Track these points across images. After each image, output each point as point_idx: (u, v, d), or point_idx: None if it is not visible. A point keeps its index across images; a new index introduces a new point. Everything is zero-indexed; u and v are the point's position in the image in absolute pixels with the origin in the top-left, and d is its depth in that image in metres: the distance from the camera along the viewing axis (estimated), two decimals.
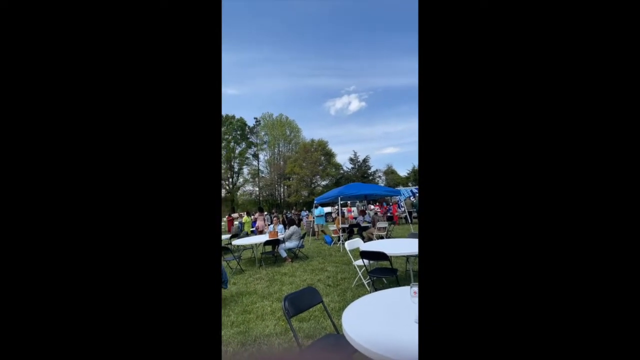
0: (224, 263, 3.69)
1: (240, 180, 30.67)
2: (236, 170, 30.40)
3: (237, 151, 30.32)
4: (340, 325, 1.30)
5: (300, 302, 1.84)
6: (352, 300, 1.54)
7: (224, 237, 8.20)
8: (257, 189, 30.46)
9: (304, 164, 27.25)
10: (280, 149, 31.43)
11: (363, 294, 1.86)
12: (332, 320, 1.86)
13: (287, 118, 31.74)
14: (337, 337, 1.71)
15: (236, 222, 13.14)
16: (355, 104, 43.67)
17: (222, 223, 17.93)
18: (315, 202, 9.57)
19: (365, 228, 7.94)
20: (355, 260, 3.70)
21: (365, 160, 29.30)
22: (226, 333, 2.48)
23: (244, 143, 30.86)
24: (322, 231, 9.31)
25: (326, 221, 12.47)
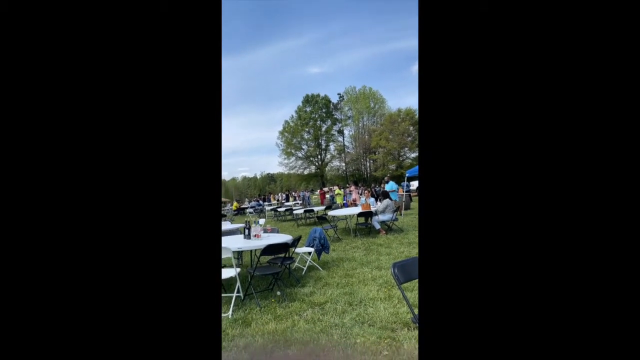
0: (323, 231, 3.99)
1: (328, 156, 31.90)
2: (323, 147, 31.69)
3: (323, 129, 31.36)
4: None
5: (409, 270, 1.80)
6: None
7: (317, 208, 8.84)
8: (343, 164, 31.15)
9: (390, 136, 25.91)
10: (365, 123, 30.72)
11: None
12: None
13: (370, 89, 30.43)
14: None
15: (327, 196, 13.93)
16: None
17: (315, 196, 18.97)
18: (407, 175, 9.12)
19: None
20: None
21: None
22: (333, 292, 2.71)
23: (329, 120, 31.57)
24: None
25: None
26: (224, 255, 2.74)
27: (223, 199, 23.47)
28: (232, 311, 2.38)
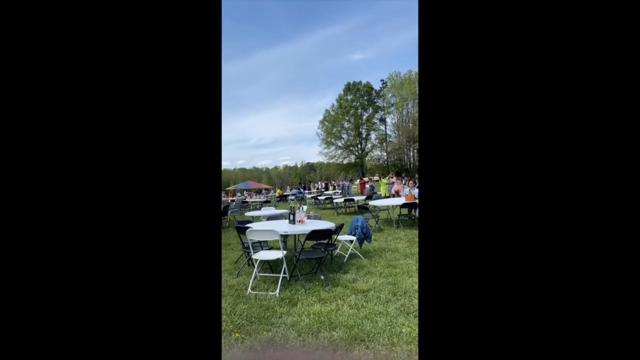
0: (365, 220, 3.95)
1: (368, 145, 31.19)
2: (364, 136, 31.02)
3: (364, 117, 30.61)
4: None
5: None
6: None
7: (357, 197, 8.77)
8: (384, 153, 30.21)
9: None
10: (409, 110, 29.14)
11: None
12: None
13: (416, 74, 28.56)
14: None
15: (367, 186, 13.72)
16: None
17: (355, 186, 18.84)
18: None
19: None
20: None
21: None
22: (376, 281, 2.70)
23: (370, 108, 30.64)
24: None
25: None
26: (271, 238, 2.90)
27: (267, 186, 24.61)
28: (279, 290, 2.53)
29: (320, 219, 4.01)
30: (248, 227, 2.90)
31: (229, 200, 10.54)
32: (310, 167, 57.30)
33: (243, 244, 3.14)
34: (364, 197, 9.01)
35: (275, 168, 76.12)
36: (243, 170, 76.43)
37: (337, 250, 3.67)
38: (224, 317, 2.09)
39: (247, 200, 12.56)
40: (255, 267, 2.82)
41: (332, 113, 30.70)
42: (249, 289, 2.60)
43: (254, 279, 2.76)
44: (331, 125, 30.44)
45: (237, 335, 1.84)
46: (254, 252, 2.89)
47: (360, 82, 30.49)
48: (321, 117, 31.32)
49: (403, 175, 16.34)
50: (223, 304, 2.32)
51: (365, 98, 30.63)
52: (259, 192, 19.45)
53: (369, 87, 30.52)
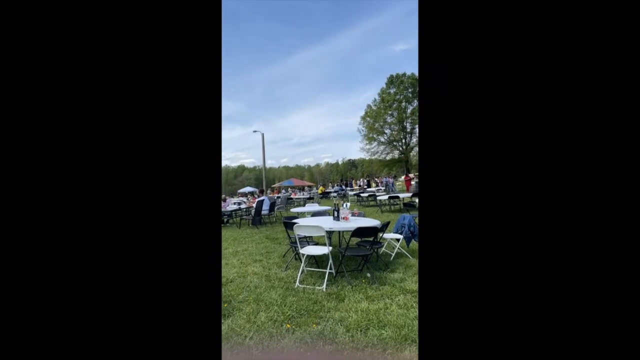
0: (413, 218, 3.78)
1: (414, 140, 29.70)
2: (408, 130, 29.62)
3: (408, 110, 29.20)
4: None
5: None
6: None
7: (403, 195, 8.43)
8: None
9: None
10: None
11: None
12: None
13: None
14: None
15: (413, 182, 13.12)
16: None
17: (399, 183, 18.14)
18: None
19: None
20: None
21: None
22: None
23: (415, 101, 29.08)
24: None
25: None
26: (316, 234, 2.95)
27: (309, 183, 25.12)
28: (326, 285, 2.57)
29: (364, 216, 3.96)
30: (295, 223, 3.00)
31: (275, 197, 11.02)
32: (352, 164, 56.82)
33: (290, 238, 3.26)
34: (409, 195, 8.63)
35: (317, 165, 77.20)
36: (287, 168, 79.19)
37: (383, 249, 3.59)
38: (274, 307, 2.21)
39: (291, 197, 12.99)
40: (302, 261, 2.91)
41: (374, 108, 29.91)
42: (297, 282, 2.69)
43: (301, 273, 2.85)
44: (373, 121, 29.68)
45: (288, 326, 1.93)
46: (301, 247, 2.98)
47: (404, 74, 29.12)
48: (362, 113, 30.76)
49: None
50: (274, 295, 2.45)
51: (410, 90, 29.14)
52: (301, 189, 19.94)
53: (413, 79, 28.96)
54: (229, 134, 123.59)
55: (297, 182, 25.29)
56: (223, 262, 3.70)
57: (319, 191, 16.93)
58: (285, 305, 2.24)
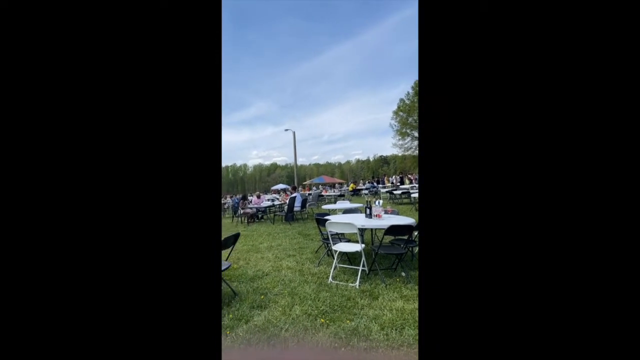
0: None
1: None
2: None
3: None
4: None
5: None
6: None
7: None
8: None
9: None
10: None
11: None
12: None
13: None
14: None
15: None
16: None
17: None
18: None
19: None
20: None
21: None
22: None
23: None
24: None
25: None
26: (349, 231, 2.95)
27: (340, 180, 25.06)
28: (359, 283, 2.56)
29: (397, 214, 3.86)
30: (327, 219, 3.02)
31: (307, 194, 11.19)
32: (383, 161, 55.47)
33: (322, 234, 3.30)
34: None
35: (348, 162, 76.66)
36: (317, 165, 79.81)
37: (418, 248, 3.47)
38: (309, 302, 2.26)
39: (322, 194, 13.09)
40: (335, 258, 2.93)
41: (407, 102, 28.80)
42: (330, 278, 2.72)
43: (334, 269, 2.87)
44: (406, 115, 28.60)
45: (322, 320, 1.96)
46: (333, 244, 3.00)
47: None
48: (394, 108, 29.81)
49: None
50: (308, 290, 2.50)
51: None
52: (332, 186, 19.96)
53: None
54: (261, 133, 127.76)
55: (327, 179, 25.40)
56: (259, 255, 3.87)
57: (350, 188, 16.82)
58: (319, 300, 2.28)
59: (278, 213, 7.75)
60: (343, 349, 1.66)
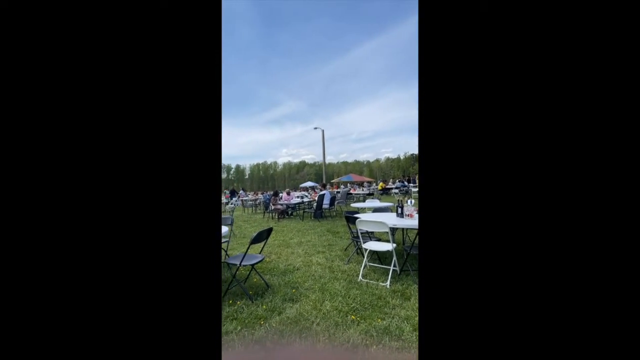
0: None
1: None
2: None
3: None
4: None
5: None
6: None
7: None
8: None
9: None
10: None
11: None
12: None
13: None
14: None
15: None
16: None
17: None
18: None
19: None
20: None
21: None
22: None
23: None
24: None
25: None
26: (379, 230, 2.91)
27: (368, 179, 24.70)
28: (390, 282, 2.52)
29: None
30: (357, 217, 3.01)
31: (335, 192, 11.21)
32: (415, 159, 53.54)
33: (352, 232, 3.29)
34: None
35: (377, 161, 75.22)
36: (345, 163, 79.39)
37: None
38: (339, 298, 2.28)
39: (351, 192, 13.02)
40: (365, 256, 2.92)
41: None
42: (360, 277, 2.71)
43: (364, 267, 2.86)
44: None
45: (353, 317, 1.97)
46: (363, 242, 2.98)
47: None
48: None
49: None
50: (338, 287, 2.52)
51: None
52: (360, 184, 19.74)
53: None
54: (291, 132, 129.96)
55: (355, 177, 25.16)
56: (289, 250, 3.97)
57: (379, 187, 16.51)
58: (349, 297, 2.28)
59: (307, 210, 7.87)
60: (372, 348, 1.65)
